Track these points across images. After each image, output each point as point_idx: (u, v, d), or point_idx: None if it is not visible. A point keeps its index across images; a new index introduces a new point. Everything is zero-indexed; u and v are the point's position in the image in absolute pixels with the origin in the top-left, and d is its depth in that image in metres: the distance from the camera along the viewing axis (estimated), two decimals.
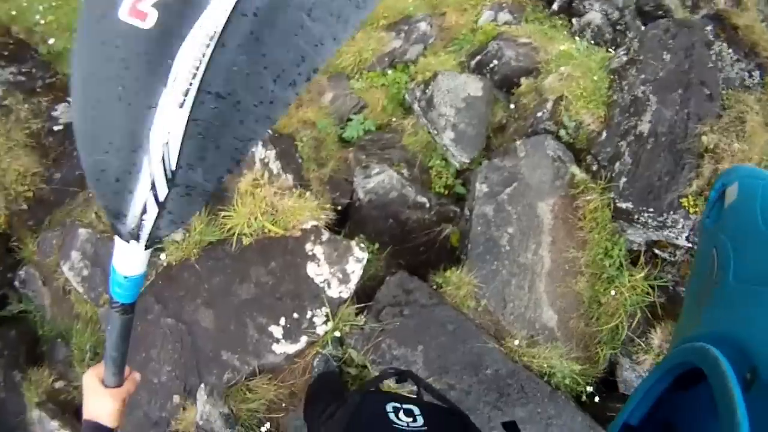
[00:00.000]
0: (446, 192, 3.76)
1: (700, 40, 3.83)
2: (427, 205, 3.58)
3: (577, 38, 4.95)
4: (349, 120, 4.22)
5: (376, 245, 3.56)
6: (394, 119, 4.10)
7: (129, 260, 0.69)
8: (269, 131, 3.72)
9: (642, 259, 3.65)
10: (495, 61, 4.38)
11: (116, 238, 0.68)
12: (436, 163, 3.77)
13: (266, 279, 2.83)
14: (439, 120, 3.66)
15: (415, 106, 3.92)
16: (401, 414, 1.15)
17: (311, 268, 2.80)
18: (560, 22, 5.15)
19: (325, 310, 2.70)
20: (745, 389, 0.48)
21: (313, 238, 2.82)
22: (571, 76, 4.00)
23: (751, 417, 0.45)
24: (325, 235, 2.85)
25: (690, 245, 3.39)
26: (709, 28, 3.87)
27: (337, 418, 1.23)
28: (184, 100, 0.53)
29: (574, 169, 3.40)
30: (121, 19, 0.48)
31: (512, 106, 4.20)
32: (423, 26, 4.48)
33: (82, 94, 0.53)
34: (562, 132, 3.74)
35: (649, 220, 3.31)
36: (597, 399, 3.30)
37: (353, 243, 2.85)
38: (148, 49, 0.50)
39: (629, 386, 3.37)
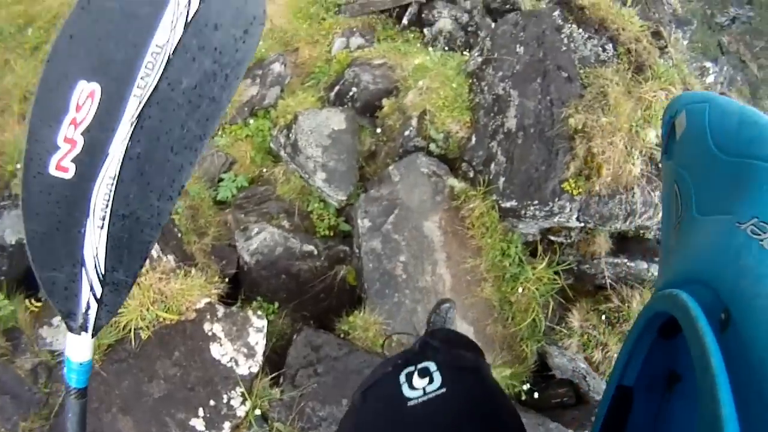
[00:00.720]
0: (332, 233, 3.61)
1: (549, 26, 3.97)
2: (315, 252, 3.41)
3: (431, 48, 5.05)
4: (221, 180, 3.97)
5: (276, 304, 3.37)
6: (264, 170, 3.91)
7: (80, 349, 0.86)
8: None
9: (540, 248, 3.70)
10: (354, 89, 4.33)
11: (68, 333, 0.86)
12: (315, 207, 3.61)
13: (173, 371, 2.67)
14: (307, 163, 3.51)
15: (282, 153, 3.75)
16: (415, 378, 1.06)
17: (215, 349, 2.67)
18: (412, 35, 5.23)
19: (240, 389, 2.60)
20: (720, 331, 0.45)
21: (209, 316, 2.72)
22: (430, 88, 4.03)
23: (727, 360, 0.42)
24: (221, 310, 2.75)
25: (582, 224, 3.49)
26: (556, 13, 4.03)
27: (343, 419, 1.17)
28: (103, 223, 0.79)
29: (452, 181, 3.38)
30: (51, 174, 0.75)
31: (378, 130, 4.15)
32: (277, 67, 4.33)
33: (31, 227, 0.78)
34: (432, 146, 3.73)
35: (537, 212, 3.34)
36: (536, 394, 3.28)
37: (250, 312, 2.74)
38: (73, 192, 0.76)
39: (565, 371, 3.38)
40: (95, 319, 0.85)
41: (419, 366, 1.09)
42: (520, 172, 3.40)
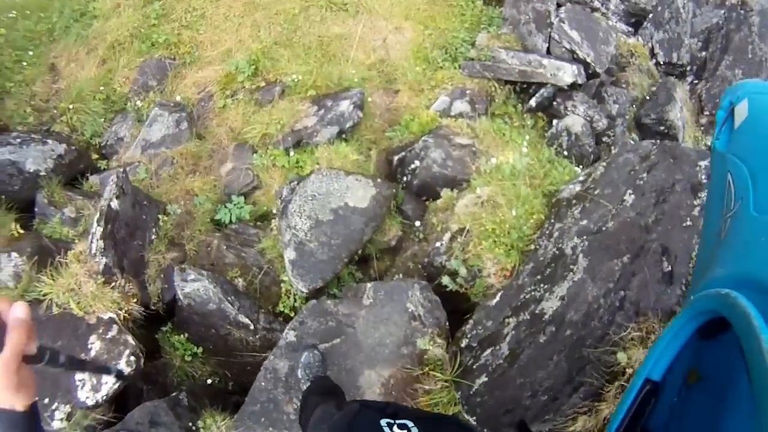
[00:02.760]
0: (292, 314, 3.04)
1: (687, 179, 2.81)
2: (252, 327, 2.89)
3: (547, 146, 4.04)
4: (230, 199, 3.65)
5: (200, 349, 3.06)
6: (274, 210, 3.46)
7: None
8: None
9: None
10: (416, 163, 3.61)
11: None
12: (286, 280, 3.07)
13: None
14: (285, 232, 2.95)
15: (276, 206, 3.27)
16: (395, 429, 1.17)
17: None
18: (533, 121, 4.27)
19: (68, 409, 2.54)
20: None
21: (101, 330, 2.70)
22: (490, 202, 3.14)
23: None
24: (113, 332, 2.70)
25: None
26: (705, 163, 2.86)
27: (336, 421, 1.27)
28: None
29: (422, 342, 2.55)
30: None
31: (418, 223, 3.40)
32: (344, 106, 3.80)
33: None
34: (447, 279, 2.88)
35: None
36: None
37: (126, 354, 2.61)
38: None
39: None
40: None
41: (397, 421, 1.18)
42: (508, 391, 2.38)
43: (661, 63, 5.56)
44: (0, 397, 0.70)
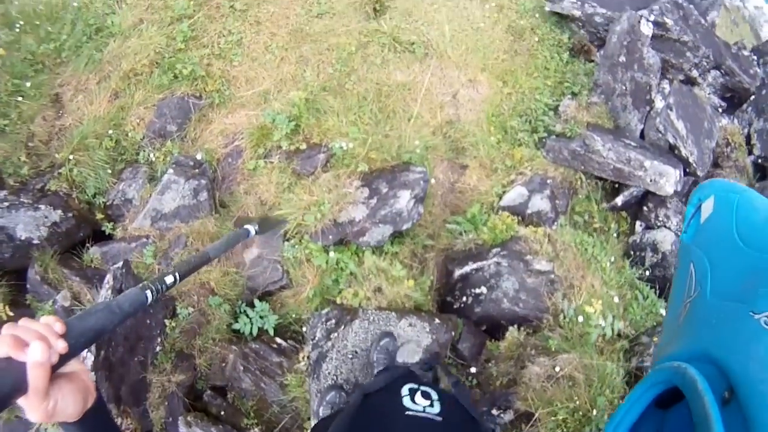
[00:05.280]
0: None
1: None
2: None
3: (627, 262, 3.31)
4: (252, 305, 3.03)
5: None
6: (304, 329, 2.85)
7: None
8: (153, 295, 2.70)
9: None
10: (483, 289, 2.93)
11: None
12: None
13: None
14: (315, 398, 2.33)
15: (306, 350, 2.64)
16: (418, 396, 1.14)
17: None
18: (615, 222, 3.53)
19: None
20: (722, 407, 0.50)
21: None
22: (566, 377, 2.47)
23: None
24: None
25: None
26: None
27: (339, 420, 1.16)
28: None
29: None
30: None
31: (474, 369, 2.76)
32: (403, 201, 3.05)
33: None
34: None
35: None
36: None
37: None
38: None
39: None
40: None
41: (422, 388, 1.18)
42: None
43: (758, 156, 4.74)
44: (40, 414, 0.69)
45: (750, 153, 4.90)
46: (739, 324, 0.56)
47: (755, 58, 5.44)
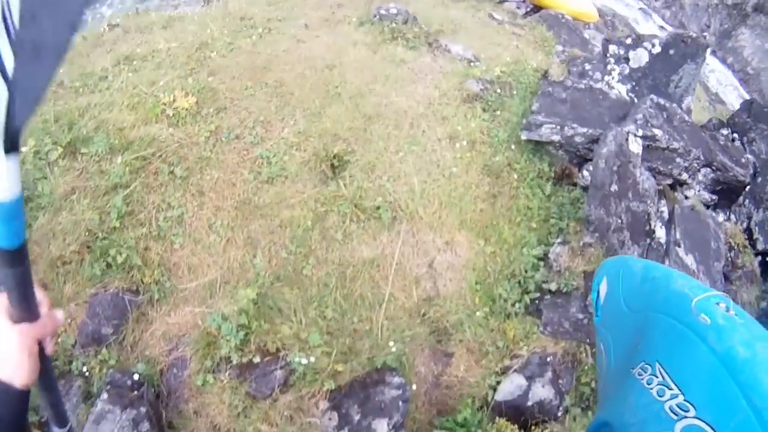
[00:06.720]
0: None
1: None
2: None
3: None
4: None
5: None
6: None
7: None
8: None
9: None
10: None
11: None
12: None
13: None
14: None
15: None
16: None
17: None
18: None
19: None
20: None
21: None
22: None
23: None
24: None
25: None
26: None
27: None
28: None
29: None
30: None
31: None
32: (380, 428, 2.53)
33: None
34: None
35: None
36: None
37: None
38: None
39: None
40: (7, 118, 0.54)
41: None
42: None
43: (762, 252, 4.34)
44: (15, 367, 0.75)
45: (754, 248, 4.49)
46: (623, 382, 0.63)
47: (736, 136, 5.11)
